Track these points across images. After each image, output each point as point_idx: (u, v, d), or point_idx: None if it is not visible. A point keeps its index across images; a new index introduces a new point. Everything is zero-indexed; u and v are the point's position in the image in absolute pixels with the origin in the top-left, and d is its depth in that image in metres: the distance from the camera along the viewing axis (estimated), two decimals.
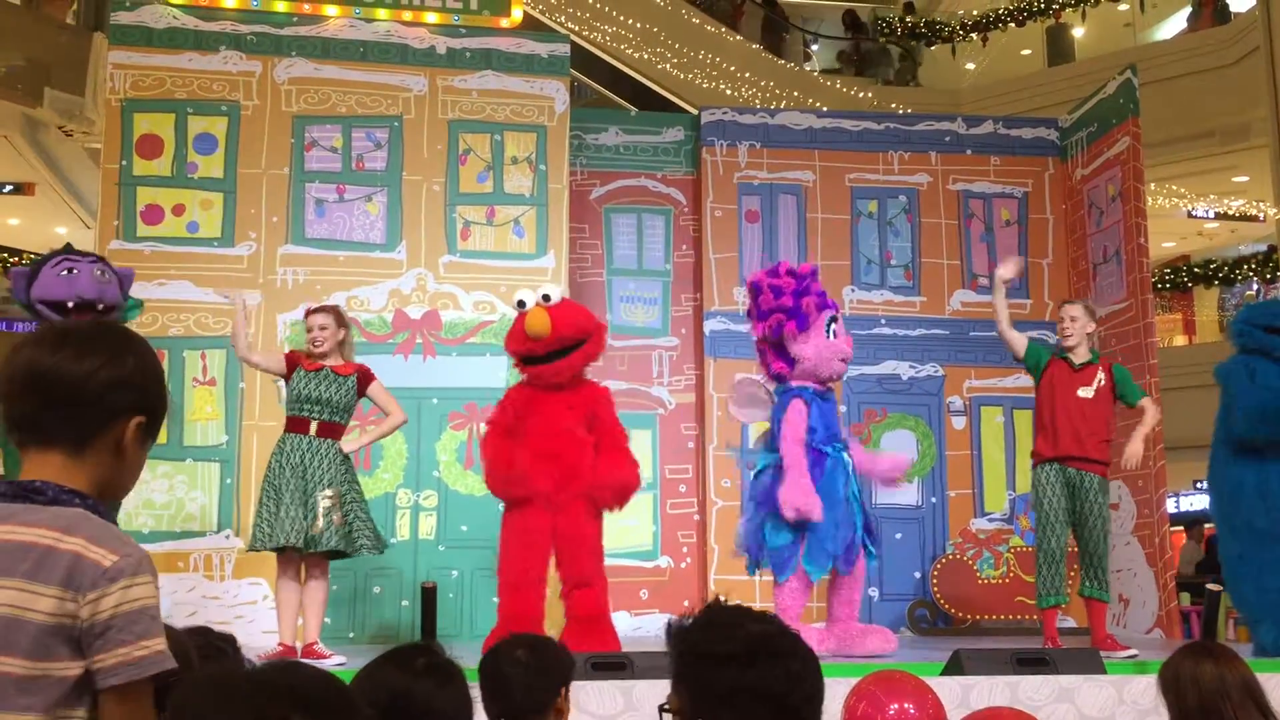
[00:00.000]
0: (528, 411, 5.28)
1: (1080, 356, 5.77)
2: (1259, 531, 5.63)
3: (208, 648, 2.38)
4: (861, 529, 5.47)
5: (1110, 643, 5.48)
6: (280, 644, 5.27)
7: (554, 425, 5.24)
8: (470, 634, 6.69)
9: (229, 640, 2.57)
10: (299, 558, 5.34)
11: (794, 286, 5.37)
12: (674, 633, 1.75)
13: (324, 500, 5.28)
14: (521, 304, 5.33)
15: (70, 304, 4.99)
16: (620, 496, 5.31)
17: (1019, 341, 5.85)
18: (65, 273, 5.05)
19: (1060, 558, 5.66)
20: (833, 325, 5.47)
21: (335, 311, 5.64)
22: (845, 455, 5.46)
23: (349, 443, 5.55)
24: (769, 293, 5.41)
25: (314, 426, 5.38)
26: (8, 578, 1.43)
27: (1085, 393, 5.68)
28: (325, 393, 5.41)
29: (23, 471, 1.55)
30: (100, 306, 5.07)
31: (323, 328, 5.49)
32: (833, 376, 5.55)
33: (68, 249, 5.29)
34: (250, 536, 5.39)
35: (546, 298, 5.31)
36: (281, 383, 5.74)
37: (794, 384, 5.47)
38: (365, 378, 5.57)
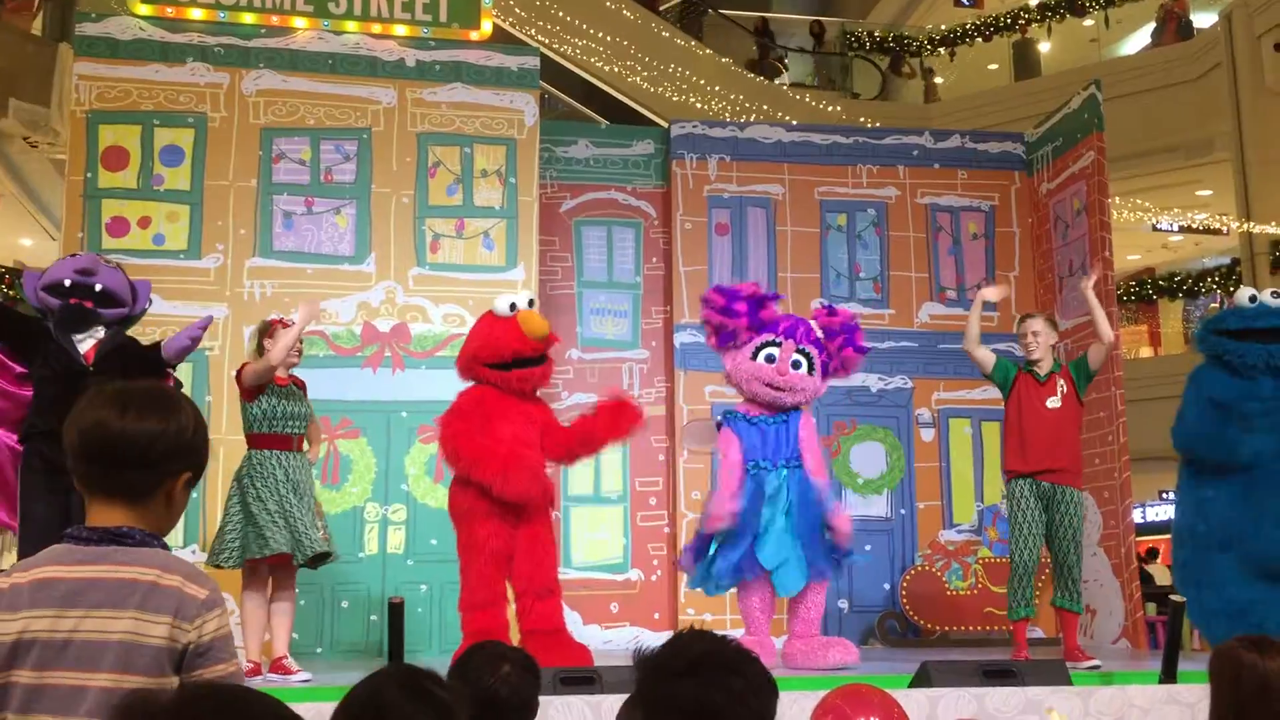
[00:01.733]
0: (494, 420, 5.25)
1: (1045, 368, 5.85)
2: (1198, 537, 5.79)
3: None
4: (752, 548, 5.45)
5: (1078, 654, 5.53)
6: (249, 661, 5.19)
7: (522, 436, 5.23)
8: (439, 648, 6.65)
9: None
10: (267, 572, 5.30)
11: (720, 304, 5.68)
12: (637, 655, 1.77)
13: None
14: (514, 306, 5.35)
15: (68, 282, 4.84)
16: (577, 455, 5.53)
17: (987, 358, 5.92)
18: (70, 256, 5.02)
19: (1032, 571, 5.71)
20: (765, 350, 5.59)
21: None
22: (770, 473, 5.53)
23: (311, 453, 5.56)
24: (709, 307, 5.75)
25: (295, 441, 5.39)
26: (122, 609, 1.74)
27: (1053, 403, 5.76)
28: (297, 408, 5.40)
29: (91, 517, 1.82)
30: (98, 288, 4.92)
31: (302, 340, 5.50)
32: (758, 397, 5.64)
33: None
34: (227, 551, 5.21)
35: (531, 302, 5.42)
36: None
37: (732, 409, 5.79)
38: (304, 387, 5.59)
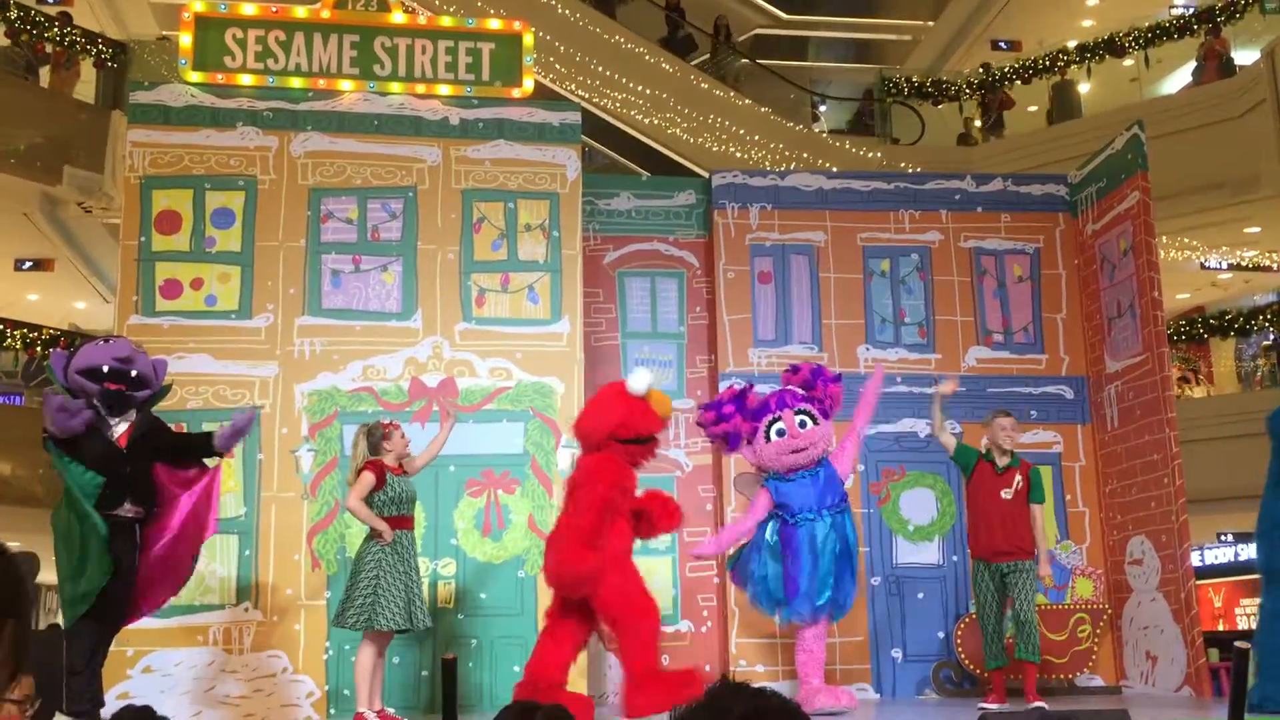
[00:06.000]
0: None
1: (1003, 461, 6.61)
2: (1271, 573, 5.68)
3: None
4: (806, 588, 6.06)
5: (1033, 698, 6.34)
6: (377, 711, 5.70)
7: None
8: (490, 705, 6.63)
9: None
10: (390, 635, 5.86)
11: (713, 417, 6.25)
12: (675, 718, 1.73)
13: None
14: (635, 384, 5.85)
15: (105, 368, 5.19)
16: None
17: (949, 442, 6.75)
18: (102, 342, 5.39)
19: (994, 632, 6.56)
20: (774, 428, 6.18)
21: None
22: (818, 522, 6.12)
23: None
24: (709, 426, 6.33)
25: (412, 520, 5.94)
26: None
27: (1007, 494, 6.52)
28: (410, 489, 5.92)
29: None
30: (134, 374, 5.25)
31: (404, 435, 6.01)
32: (790, 468, 6.19)
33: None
34: (354, 614, 5.63)
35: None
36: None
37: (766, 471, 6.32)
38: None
